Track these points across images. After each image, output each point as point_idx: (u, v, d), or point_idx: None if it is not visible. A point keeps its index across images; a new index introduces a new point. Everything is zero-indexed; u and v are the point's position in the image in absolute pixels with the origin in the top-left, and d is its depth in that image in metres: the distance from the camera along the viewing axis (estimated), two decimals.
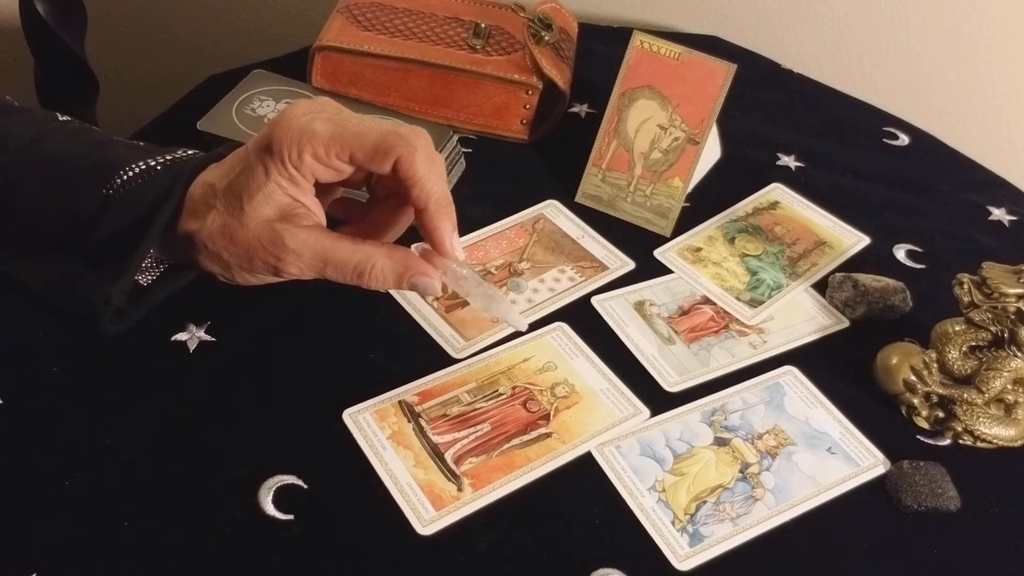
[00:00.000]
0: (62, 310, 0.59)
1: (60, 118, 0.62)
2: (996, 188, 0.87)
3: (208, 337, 0.63)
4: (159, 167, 0.56)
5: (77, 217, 0.56)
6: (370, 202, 0.58)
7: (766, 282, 0.73)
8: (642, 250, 0.74)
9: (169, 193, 0.54)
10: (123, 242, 0.55)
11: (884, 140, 0.92)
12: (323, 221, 0.55)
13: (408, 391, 0.61)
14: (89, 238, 0.56)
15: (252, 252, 0.53)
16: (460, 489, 0.56)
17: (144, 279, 0.60)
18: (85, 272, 0.57)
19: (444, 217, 0.53)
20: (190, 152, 0.59)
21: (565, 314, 0.68)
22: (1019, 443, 0.63)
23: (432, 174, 0.52)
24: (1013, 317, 0.61)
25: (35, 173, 0.57)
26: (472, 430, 0.59)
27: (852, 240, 0.78)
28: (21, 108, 0.63)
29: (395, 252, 0.53)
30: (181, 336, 0.63)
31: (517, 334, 0.66)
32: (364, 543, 0.53)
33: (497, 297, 0.54)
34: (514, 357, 0.64)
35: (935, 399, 0.63)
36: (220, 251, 0.54)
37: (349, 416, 0.59)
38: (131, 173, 0.56)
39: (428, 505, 0.55)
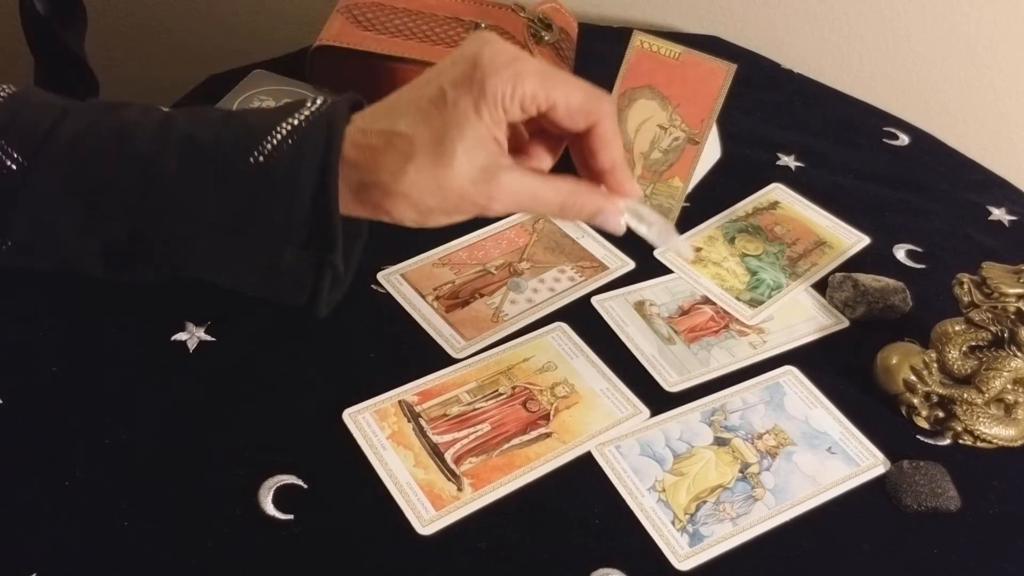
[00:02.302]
0: (276, 301, 0.56)
1: (161, 108, 0.57)
2: (996, 188, 0.87)
3: (208, 337, 0.63)
4: (303, 124, 0.53)
5: (244, 201, 0.52)
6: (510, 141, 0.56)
7: (766, 282, 0.73)
8: (642, 250, 0.74)
9: (327, 149, 0.51)
10: (317, 209, 0.52)
11: (884, 140, 0.92)
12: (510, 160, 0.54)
13: (408, 391, 0.61)
14: (271, 217, 0.53)
15: (463, 196, 0.51)
16: (460, 489, 0.56)
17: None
18: (284, 251, 0.53)
19: (628, 174, 0.55)
20: (313, 106, 0.54)
21: (565, 314, 0.68)
22: (1019, 443, 0.63)
23: (617, 137, 0.54)
24: (1013, 317, 0.61)
25: (177, 157, 0.52)
26: (472, 430, 0.59)
27: (852, 240, 0.78)
28: (118, 103, 0.57)
29: (593, 191, 0.55)
30: (181, 336, 0.63)
31: (517, 334, 0.66)
32: (364, 543, 0.53)
33: (672, 230, 0.57)
34: (514, 357, 0.64)
35: (935, 399, 0.63)
36: (425, 198, 0.51)
37: (349, 416, 0.59)
38: (278, 138, 0.52)
39: (428, 505, 0.55)
